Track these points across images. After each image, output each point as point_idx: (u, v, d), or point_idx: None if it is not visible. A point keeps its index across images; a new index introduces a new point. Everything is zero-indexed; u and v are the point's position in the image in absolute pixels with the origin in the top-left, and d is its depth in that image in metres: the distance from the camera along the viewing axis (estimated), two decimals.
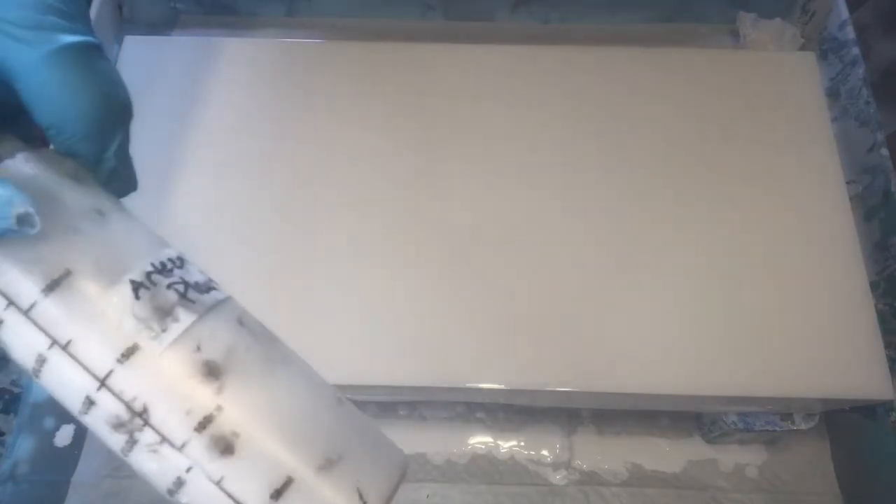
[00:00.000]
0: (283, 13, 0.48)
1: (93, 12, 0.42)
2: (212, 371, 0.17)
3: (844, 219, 0.36)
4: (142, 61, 0.40)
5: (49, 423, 0.41)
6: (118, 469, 0.40)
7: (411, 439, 0.40)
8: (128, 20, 0.47)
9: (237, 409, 0.17)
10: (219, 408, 0.17)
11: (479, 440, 0.41)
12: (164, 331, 0.17)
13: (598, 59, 0.40)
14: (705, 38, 0.48)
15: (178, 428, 0.16)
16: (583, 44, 0.42)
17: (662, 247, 0.35)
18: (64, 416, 0.42)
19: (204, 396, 0.17)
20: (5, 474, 0.40)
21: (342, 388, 0.34)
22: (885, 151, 0.38)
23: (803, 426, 0.36)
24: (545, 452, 0.40)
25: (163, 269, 0.18)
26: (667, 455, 0.40)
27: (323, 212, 0.36)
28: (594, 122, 0.38)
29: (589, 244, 0.35)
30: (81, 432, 0.41)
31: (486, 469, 0.40)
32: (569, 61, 0.40)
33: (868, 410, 0.37)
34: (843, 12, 0.43)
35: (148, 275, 0.18)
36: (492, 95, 0.39)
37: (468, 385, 0.33)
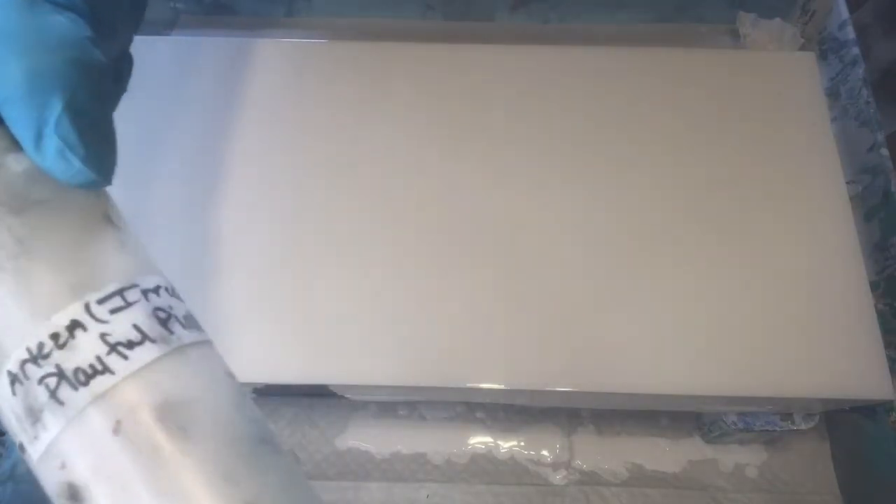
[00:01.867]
0: (283, 13, 0.48)
1: None
2: (73, 496, 0.14)
3: (844, 219, 0.36)
4: (141, 61, 0.40)
5: None
6: None
7: (411, 439, 0.40)
8: None
9: None
10: None
11: (479, 440, 0.41)
12: (35, 438, 0.14)
13: (598, 59, 0.40)
14: (705, 38, 0.47)
15: None
16: (583, 44, 0.42)
17: (662, 246, 0.35)
18: None
19: None
20: (5, 474, 0.40)
21: (342, 388, 0.34)
22: (885, 151, 0.38)
23: (803, 426, 0.36)
24: (545, 452, 0.40)
25: (38, 356, 0.14)
26: (667, 455, 0.40)
27: (320, 211, 0.36)
28: (594, 121, 0.38)
29: (589, 244, 0.35)
30: None
31: (486, 469, 0.40)
32: (569, 61, 0.40)
33: (868, 410, 0.37)
34: (843, 12, 0.43)
35: (23, 364, 0.15)
36: (491, 95, 0.39)
37: (468, 385, 0.33)
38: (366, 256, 0.35)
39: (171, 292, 0.17)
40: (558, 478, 0.40)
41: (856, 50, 0.41)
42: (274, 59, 0.40)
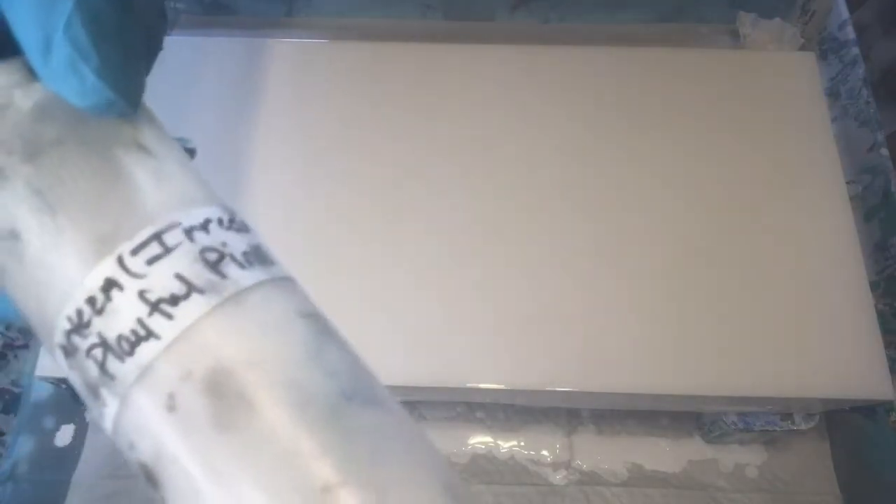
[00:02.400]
0: (283, 13, 0.48)
1: None
2: (150, 478, 0.12)
3: (844, 219, 0.36)
4: None
5: (49, 422, 0.41)
6: (118, 469, 0.40)
7: None
8: None
9: None
10: None
11: (479, 440, 0.40)
12: (101, 415, 0.12)
13: (598, 59, 0.40)
14: (705, 38, 0.48)
15: None
16: (583, 44, 0.42)
17: (662, 246, 0.35)
18: (64, 415, 0.42)
19: None
20: (5, 474, 0.40)
21: None
22: (885, 151, 0.38)
23: (803, 426, 0.36)
24: (545, 452, 0.40)
25: (80, 325, 0.12)
26: (667, 455, 0.40)
27: (319, 211, 0.36)
28: (593, 122, 0.38)
29: (589, 244, 0.35)
30: (81, 432, 0.41)
31: (486, 469, 0.40)
32: (569, 61, 0.40)
33: (868, 410, 0.37)
34: (843, 12, 0.43)
35: (68, 335, 0.12)
36: (492, 95, 0.39)
37: (468, 385, 0.33)
38: (365, 256, 0.35)
39: (229, 224, 0.14)
40: (558, 478, 0.40)
41: (856, 50, 0.41)
42: (274, 58, 0.40)
